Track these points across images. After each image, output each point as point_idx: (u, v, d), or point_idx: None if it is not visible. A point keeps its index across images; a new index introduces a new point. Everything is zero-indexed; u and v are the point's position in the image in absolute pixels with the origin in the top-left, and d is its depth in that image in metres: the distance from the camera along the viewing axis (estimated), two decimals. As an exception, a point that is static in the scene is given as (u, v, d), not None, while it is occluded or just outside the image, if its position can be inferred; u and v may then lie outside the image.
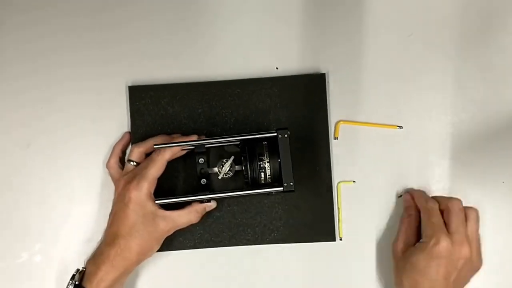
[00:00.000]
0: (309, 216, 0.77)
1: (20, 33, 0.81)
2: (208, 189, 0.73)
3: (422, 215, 0.72)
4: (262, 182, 0.68)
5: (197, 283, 0.78)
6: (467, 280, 0.70)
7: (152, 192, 0.71)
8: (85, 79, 0.80)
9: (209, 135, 0.77)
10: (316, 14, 0.80)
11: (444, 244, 0.67)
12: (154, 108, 0.78)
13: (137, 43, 0.80)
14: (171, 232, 0.72)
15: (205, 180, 0.73)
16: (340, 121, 0.78)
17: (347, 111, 0.79)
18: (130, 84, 0.79)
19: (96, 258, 0.69)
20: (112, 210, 0.72)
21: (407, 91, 0.79)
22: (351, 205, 0.77)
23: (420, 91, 0.79)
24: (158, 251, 0.75)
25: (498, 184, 0.78)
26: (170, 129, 0.78)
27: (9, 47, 0.80)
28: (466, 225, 0.69)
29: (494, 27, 0.80)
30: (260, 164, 0.67)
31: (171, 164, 0.73)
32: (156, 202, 0.70)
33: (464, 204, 0.72)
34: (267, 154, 0.68)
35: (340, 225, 0.77)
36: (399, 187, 0.78)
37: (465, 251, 0.68)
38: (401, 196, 0.77)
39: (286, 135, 0.67)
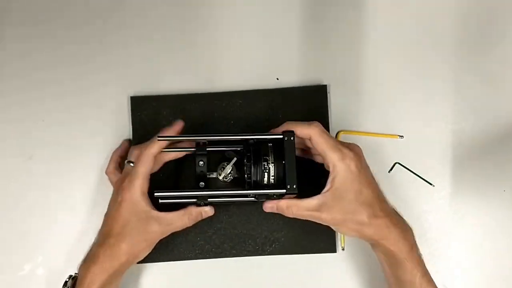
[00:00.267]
0: (310, 227, 0.75)
1: (19, 46, 0.81)
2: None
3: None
4: (265, 183, 0.67)
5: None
6: None
7: (146, 190, 0.69)
8: (86, 91, 0.80)
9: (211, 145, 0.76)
10: (316, 25, 0.81)
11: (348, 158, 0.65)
12: (156, 119, 0.78)
13: (139, 55, 0.81)
14: (165, 235, 0.70)
15: (203, 183, 0.71)
16: (341, 131, 0.78)
17: (348, 121, 0.79)
18: (132, 95, 0.79)
19: (87, 260, 0.68)
20: (106, 210, 0.71)
21: (408, 100, 0.79)
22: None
23: (421, 101, 0.79)
24: (159, 261, 0.76)
25: (499, 193, 0.78)
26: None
27: (9, 60, 0.81)
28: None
29: (494, 36, 0.81)
30: (264, 165, 0.66)
31: (171, 167, 0.74)
32: (156, 194, 0.67)
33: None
34: (272, 155, 0.67)
35: (342, 236, 0.77)
36: (401, 195, 0.78)
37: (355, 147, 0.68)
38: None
39: (292, 138, 0.66)
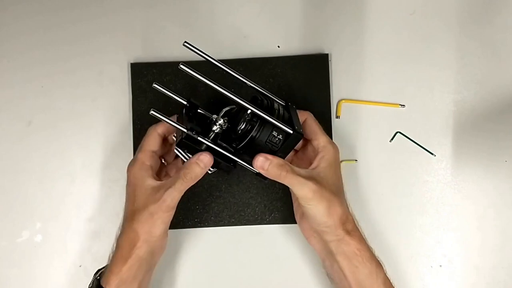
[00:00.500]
0: None
1: (19, 8, 0.81)
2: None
3: None
4: (275, 115, 0.64)
5: (196, 262, 0.77)
6: None
7: (149, 164, 0.68)
8: (86, 56, 0.80)
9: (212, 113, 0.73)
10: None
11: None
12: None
13: (139, 21, 0.80)
14: (171, 201, 0.64)
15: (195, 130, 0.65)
16: (342, 100, 0.78)
17: (349, 90, 0.78)
18: (132, 61, 0.79)
19: (113, 250, 0.67)
20: None
21: (410, 69, 0.79)
22: (353, 184, 0.77)
23: (423, 70, 0.79)
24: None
25: (501, 163, 0.77)
26: (172, 107, 0.77)
27: (8, 23, 0.81)
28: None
29: (497, 4, 0.80)
30: (275, 105, 0.66)
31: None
32: (151, 113, 0.61)
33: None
34: (281, 107, 0.67)
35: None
36: (402, 165, 0.78)
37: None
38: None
39: (294, 106, 0.69)
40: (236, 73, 0.67)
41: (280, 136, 0.64)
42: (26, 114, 0.79)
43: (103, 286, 0.64)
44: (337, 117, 0.78)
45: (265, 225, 0.77)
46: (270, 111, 0.64)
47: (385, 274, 0.66)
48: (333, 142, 0.69)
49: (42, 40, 0.80)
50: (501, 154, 0.77)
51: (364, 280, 0.65)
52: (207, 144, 0.65)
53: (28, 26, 0.80)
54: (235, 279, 0.77)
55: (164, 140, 0.71)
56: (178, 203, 0.68)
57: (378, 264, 0.66)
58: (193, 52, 0.78)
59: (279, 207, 0.77)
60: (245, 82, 0.68)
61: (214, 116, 0.66)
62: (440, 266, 0.76)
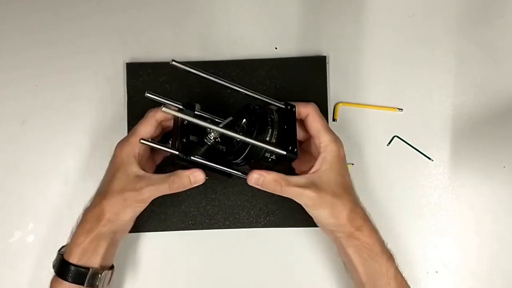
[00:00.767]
0: None
1: (14, 7, 0.80)
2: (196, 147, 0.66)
3: None
4: (267, 139, 0.63)
5: (190, 264, 0.77)
6: None
7: (139, 153, 0.67)
8: (81, 56, 0.79)
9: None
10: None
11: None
12: (152, 86, 0.77)
13: (136, 21, 0.80)
14: (149, 197, 0.65)
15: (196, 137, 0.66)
16: (339, 103, 0.78)
17: (347, 93, 0.78)
18: (128, 61, 0.79)
19: (78, 223, 0.68)
20: None
21: (408, 73, 0.79)
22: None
23: (421, 73, 0.78)
24: (151, 231, 0.76)
25: (499, 169, 0.77)
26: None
27: (3, 21, 0.80)
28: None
29: (496, 7, 0.80)
30: (269, 119, 0.63)
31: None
32: (141, 141, 0.63)
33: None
34: (276, 116, 0.64)
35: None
36: (399, 169, 0.77)
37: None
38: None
39: (294, 109, 0.66)
40: (230, 83, 0.66)
41: (273, 156, 0.63)
42: (20, 113, 0.78)
43: (66, 258, 0.65)
44: (334, 120, 0.77)
45: (260, 228, 0.76)
46: (263, 123, 0.63)
47: (396, 267, 0.66)
48: (337, 139, 0.66)
49: (37, 39, 0.80)
50: (500, 159, 0.77)
51: (374, 273, 0.65)
52: (200, 162, 0.65)
53: (22, 25, 0.80)
54: (229, 282, 0.76)
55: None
56: (172, 205, 0.71)
57: (390, 257, 0.66)
58: (191, 53, 0.79)
59: (274, 210, 0.77)
60: (239, 91, 0.67)
61: (210, 127, 0.63)
62: (436, 272, 0.75)
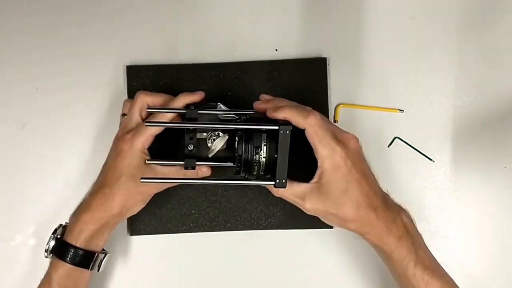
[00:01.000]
0: None
1: (14, 10, 0.80)
2: (195, 156, 0.68)
3: None
4: (254, 173, 0.65)
5: (192, 267, 0.77)
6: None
7: (146, 147, 0.68)
8: (82, 58, 0.79)
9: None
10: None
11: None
12: (152, 89, 0.76)
13: (136, 23, 0.80)
14: (159, 189, 0.70)
15: (192, 145, 0.67)
16: (340, 104, 0.78)
17: (348, 94, 0.78)
18: (128, 64, 0.79)
19: (79, 209, 0.69)
20: (105, 161, 0.71)
21: (408, 74, 0.79)
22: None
23: (422, 74, 0.79)
24: (153, 234, 0.76)
25: (500, 169, 0.77)
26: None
27: (3, 24, 0.80)
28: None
29: (496, 9, 0.80)
30: (255, 158, 0.64)
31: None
32: (147, 162, 0.67)
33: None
34: (266, 147, 0.63)
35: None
36: (400, 170, 0.77)
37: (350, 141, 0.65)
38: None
39: (287, 132, 0.62)
40: (219, 124, 0.67)
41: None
42: (20, 116, 0.78)
43: (74, 243, 0.67)
44: (335, 121, 0.77)
45: (261, 230, 0.77)
46: (248, 163, 0.64)
47: (413, 264, 0.64)
48: (338, 151, 0.62)
49: (38, 42, 0.80)
50: (501, 160, 0.77)
51: (390, 268, 0.67)
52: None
53: (23, 28, 0.80)
54: (230, 284, 0.77)
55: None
56: (173, 208, 0.74)
57: (403, 255, 0.64)
58: (191, 56, 0.79)
59: (275, 212, 0.77)
60: (230, 127, 0.67)
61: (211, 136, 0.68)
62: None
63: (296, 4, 0.80)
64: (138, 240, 0.77)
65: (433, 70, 0.79)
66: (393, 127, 0.77)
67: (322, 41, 0.79)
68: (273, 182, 0.63)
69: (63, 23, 0.80)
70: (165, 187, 0.71)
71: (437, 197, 0.77)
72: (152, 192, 0.70)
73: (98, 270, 0.70)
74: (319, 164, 0.63)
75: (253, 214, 0.77)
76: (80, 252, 0.66)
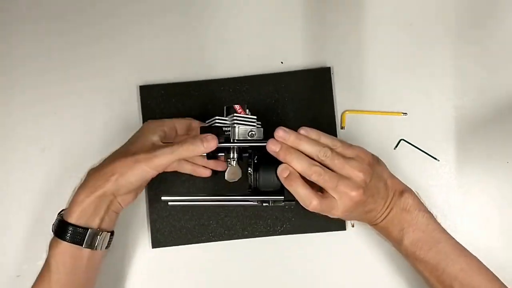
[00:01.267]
0: None
1: (30, 31, 0.83)
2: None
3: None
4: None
5: (212, 275, 0.79)
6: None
7: (165, 130, 0.71)
8: (96, 83, 0.82)
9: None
10: (317, 8, 0.82)
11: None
12: (166, 106, 0.80)
13: (146, 45, 0.82)
14: (160, 161, 0.65)
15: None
16: (346, 111, 0.80)
17: (353, 101, 0.80)
18: (140, 84, 0.81)
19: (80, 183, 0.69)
20: None
21: (410, 78, 0.81)
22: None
23: (423, 78, 0.80)
24: (174, 245, 0.78)
25: (502, 164, 0.79)
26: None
27: (20, 45, 0.83)
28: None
29: (495, 10, 0.82)
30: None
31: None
32: (163, 198, 0.68)
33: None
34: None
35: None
36: (407, 171, 0.79)
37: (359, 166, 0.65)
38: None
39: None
40: (226, 201, 0.71)
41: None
42: (38, 140, 0.81)
43: (65, 218, 0.66)
44: (342, 128, 0.80)
45: (277, 236, 0.79)
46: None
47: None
48: (344, 194, 0.64)
49: (52, 63, 0.82)
50: (503, 155, 0.79)
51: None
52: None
53: (38, 49, 0.83)
54: (251, 290, 0.79)
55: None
56: (192, 219, 0.75)
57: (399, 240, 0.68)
58: (202, 73, 0.80)
59: (290, 218, 0.79)
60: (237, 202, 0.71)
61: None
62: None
63: (299, 18, 0.82)
64: (160, 252, 0.78)
65: (433, 72, 0.80)
66: (398, 130, 0.79)
67: (326, 51, 0.81)
68: (283, 197, 0.67)
69: (73, 47, 0.82)
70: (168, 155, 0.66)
71: (444, 194, 0.78)
72: (141, 157, 0.66)
73: (98, 249, 0.67)
74: None
75: (269, 220, 0.79)
76: (71, 228, 0.65)
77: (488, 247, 0.76)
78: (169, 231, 0.79)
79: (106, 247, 0.69)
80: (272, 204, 0.69)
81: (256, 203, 0.70)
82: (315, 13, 0.82)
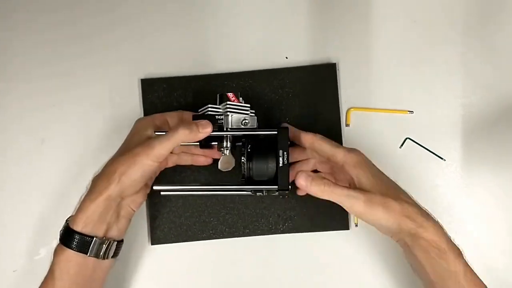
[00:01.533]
0: (323, 205, 0.73)
1: (30, 23, 0.82)
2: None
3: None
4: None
5: (212, 273, 0.78)
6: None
7: (157, 125, 0.71)
8: (98, 76, 0.81)
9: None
10: (323, 3, 0.82)
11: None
12: (167, 101, 0.79)
13: (148, 38, 0.82)
14: (159, 151, 0.64)
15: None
16: (351, 108, 0.79)
17: (358, 98, 0.79)
18: (142, 77, 0.80)
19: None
20: None
21: (417, 75, 0.80)
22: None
23: (429, 75, 0.80)
24: (174, 242, 0.77)
25: (509, 164, 0.78)
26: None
27: (20, 38, 0.82)
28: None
29: (502, 8, 0.81)
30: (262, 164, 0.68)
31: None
32: (154, 187, 0.69)
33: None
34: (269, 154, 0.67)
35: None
36: (412, 170, 0.78)
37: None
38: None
39: (286, 134, 0.68)
40: (222, 191, 0.74)
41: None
42: (38, 132, 0.80)
43: (71, 226, 0.65)
44: (347, 125, 0.79)
45: (279, 234, 0.78)
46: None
47: (465, 263, 0.64)
48: (351, 149, 0.68)
49: (53, 56, 0.81)
50: (510, 156, 0.78)
51: (443, 272, 0.63)
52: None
53: (39, 41, 0.82)
54: (251, 288, 0.78)
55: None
56: (192, 216, 0.74)
57: (458, 254, 0.64)
58: (204, 67, 0.80)
59: (292, 216, 0.78)
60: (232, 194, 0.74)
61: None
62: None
63: (304, 13, 0.81)
64: (160, 249, 0.78)
65: (440, 70, 0.80)
66: (403, 128, 0.79)
67: (331, 47, 0.81)
68: (276, 187, 0.66)
69: (76, 38, 0.82)
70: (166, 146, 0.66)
71: (450, 194, 0.78)
72: (139, 150, 0.65)
73: (104, 258, 0.66)
74: (343, 161, 0.67)
75: (271, 218, 0.78)
76: (76, 236, 0.64)
77: (493, 247, 0.77)
78: (168, 227, 0.78)
79: (113, 256, 0.68)
80: (266, 194, 0.69)
81: (249, 192, 0.70)
82: (321, 8, 0.81)
